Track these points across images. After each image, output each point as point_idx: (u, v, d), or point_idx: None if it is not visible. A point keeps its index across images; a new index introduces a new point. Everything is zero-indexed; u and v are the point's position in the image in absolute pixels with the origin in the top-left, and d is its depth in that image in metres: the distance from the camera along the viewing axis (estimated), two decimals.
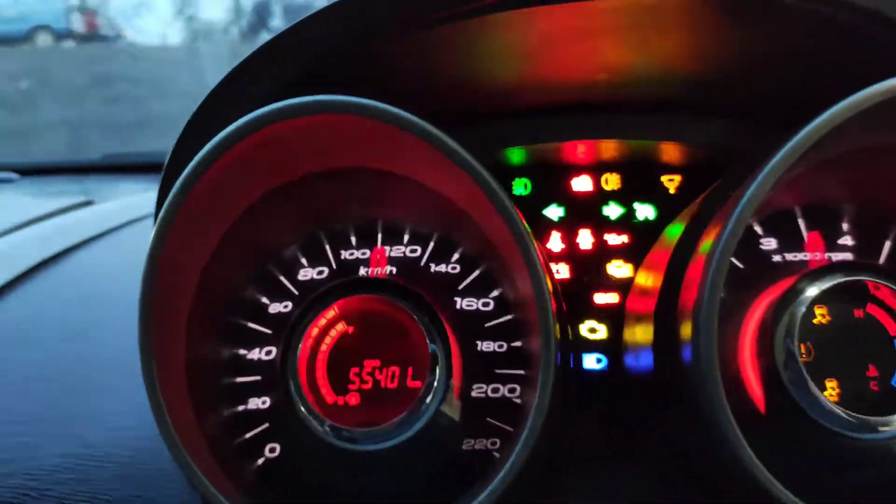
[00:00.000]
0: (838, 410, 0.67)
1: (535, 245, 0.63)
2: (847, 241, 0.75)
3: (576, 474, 0.74)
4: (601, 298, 0.83)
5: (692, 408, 0.63)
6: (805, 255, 0.75)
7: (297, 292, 0.76)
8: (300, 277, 0.77)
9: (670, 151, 0.87)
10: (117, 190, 1.60)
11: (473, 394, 0.73)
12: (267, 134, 0.62)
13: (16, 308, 0.96)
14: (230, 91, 0.71)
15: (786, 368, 0.69)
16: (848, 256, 0.75)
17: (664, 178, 0.88)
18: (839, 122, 0.59)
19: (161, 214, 0.63)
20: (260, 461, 0.72)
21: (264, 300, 0.76)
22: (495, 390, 0.74)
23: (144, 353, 0.63)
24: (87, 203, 1.37)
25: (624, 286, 0.84)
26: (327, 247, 0.78)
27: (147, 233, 0.63)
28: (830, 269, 0.73)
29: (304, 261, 0.78)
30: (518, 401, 0.73)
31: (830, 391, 0.68)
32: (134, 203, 1.34)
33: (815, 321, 0.70)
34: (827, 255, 0.75)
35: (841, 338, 0.70)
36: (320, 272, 0.77)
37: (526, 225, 0.62)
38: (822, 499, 0.63)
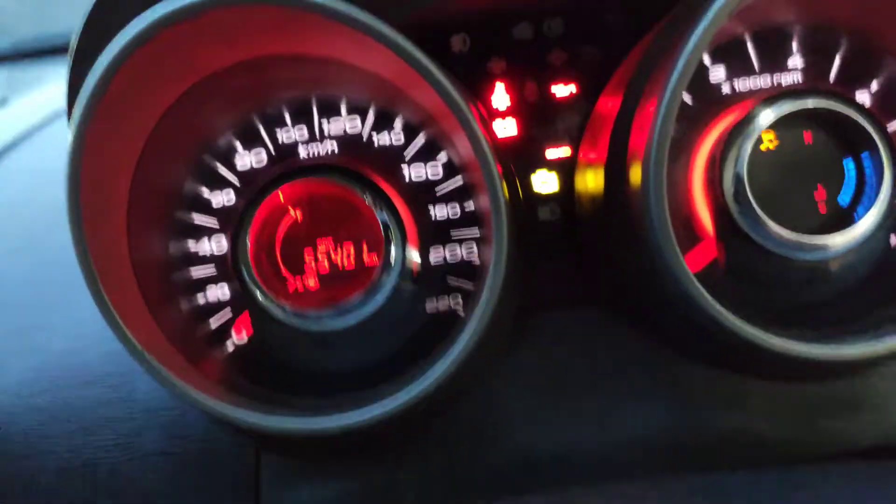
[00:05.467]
0: (786, 234, 0.68)
1: (472, 111, 0.60)
2: (796, 63, 0.73)
3: (536, 322, 0.76)
4: (552, 153, 0.81)
5: (641, 245, 0.64)
6: (754, 82, 0.73)
7: (237, 181, 0.74)
8: (238, 165, 0.75)
9: None
10: (34, 80, 1.46)
11: (432, 259, 0.74)
12: (179, 31, 0.57)
13: None
14: None
15: (735, 199, 0.69)
16: (797, 78, 0.73)
17: (609, 18, 0.84)
18: None
19: (76, 119, 0.59)
20: (228, 348, 0.73)
21: (205, 192, 0.74)
22: (453, 253, 0.74)
23: (82, 256, 0.61)
24: (1, 102, 1.27)
25: (575, 137, 0.82)
26: (262, 130, 0.75)
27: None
28: (779, 97, 0.71)
29: (239, 147, 0.75)
30: (477, 260, 0.74)
31: (778, 215, 0.68)
32: (54, 95, 1.24)
33: (762, 147, 0.70)
34: (776, 79, 0.73)
35: (789, 162, 0.71)
36: (258, 158, 0.75)
37: (457, 96, 0.59)
38: (770, 320, 0.65)
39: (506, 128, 0.83)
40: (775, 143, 0.70)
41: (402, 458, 0.70)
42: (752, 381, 0.70)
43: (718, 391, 0.70)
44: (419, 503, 0.66)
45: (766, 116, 0.69)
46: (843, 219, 0.69)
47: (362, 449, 0.70)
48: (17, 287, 0.81)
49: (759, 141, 0.70)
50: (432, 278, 0.74)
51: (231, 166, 0.74)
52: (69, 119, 0.70)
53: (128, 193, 0.67)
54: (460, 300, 0.73)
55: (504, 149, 0.77)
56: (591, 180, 0.75)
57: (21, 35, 1.67)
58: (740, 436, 0.68)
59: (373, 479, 0.69)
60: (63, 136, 0.62)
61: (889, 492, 0.48)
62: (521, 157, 0.81)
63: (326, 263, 0.72)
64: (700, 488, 0.55)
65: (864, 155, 0.70)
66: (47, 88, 1.33)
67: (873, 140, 0.68)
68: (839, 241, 0.68)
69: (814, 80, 0.73)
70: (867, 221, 0.68)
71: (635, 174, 0.65)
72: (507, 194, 0.65)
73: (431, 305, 0.73)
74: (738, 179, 0.69)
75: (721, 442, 0.68)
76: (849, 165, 0.71)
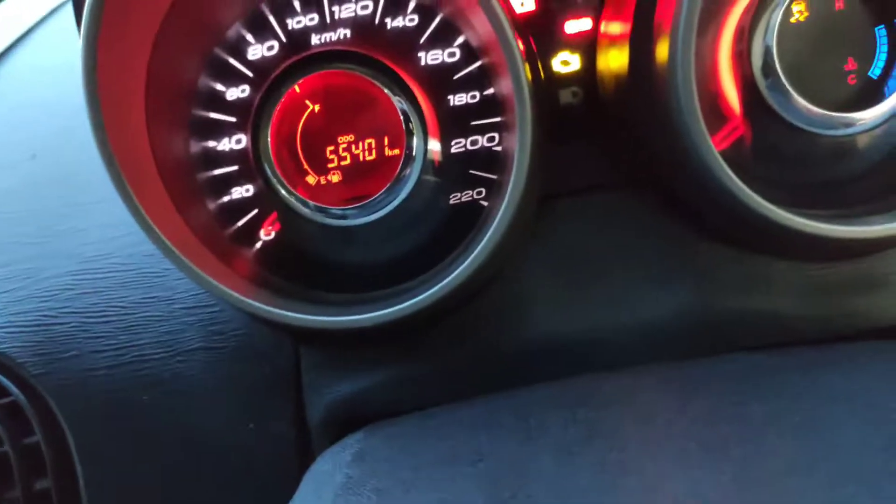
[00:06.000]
0: (814, 109, 0.67)
1: None
2: None
3: (558, 207, 0.76)
4: (572, 27, 0.78)
5: (666, 124, 0.64)
6: None
7: (251, 74, 0.72)
8: (251, 57, 0.72)
9: None
10: None
11: (453, 150, 0.73)
12: None
13: None
14: None
15: (763, 72, 0.67)
16: None
17: None
18: None
19: (87, 9, 0.58)
20: (257, 246, 0.74)
21: (219, 87, 0.72)
22: (474, 143, 0.73)
23: (105, 155, 0.62)
24: None
25: (595, 9, 0.78)
26: (271, 18, 0.72)
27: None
28: None
29: (250, 38, 0.72)
30: (498, 149, 0.73)
31: (807, 90, 0.67)
32: None
33: (792, 20, 0.67)
34: None
35: (819, 33, 0.68)
36: (270, 47, 0.72)
37: None
38: (793, 199, 0.66)
39: (523, 3, 0.79)
40: (805, 13, 0.68)
41: (432, 348, 0.73)
42: (774, 262, 0.71)
43: (740, 272, 0.71)
44: (450, 390, 0.70)
45: None
46: (873, 92, 0.67)
47: (395, 340, 0.73)
48: (44, 191, 0.81)
49: (790, 13, 0.67)
50: (454, 170, 0.73)
51: (243, 59, 0.72)
52: (76, 11, 0.68)
53: (144, 90, 0.66)
54: (483, 191, 0.73)
55: (522, 25, 0.74)
56: (614, 58, 0.72)
57: None
58: (762, 316, 0.70)
59: (407, 369, 0.73)
60: (66, 30, 0.60)
61: None
62: (540, 34, 0.78)
63: (348, 158, 0.72)
64: (722, 370, 0.57)
65: None
66: None
67: None
68: (868, 115, 0.66)
69: None
70: None
71: (662, 49, 0.63)
72: (529, 75, 0.63)
73: (454, 198, 0.74)
74: (767, 51, 0.67)
75: (743, 323, 0.70)
76: (881, 34, 0.68)
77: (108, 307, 0.74)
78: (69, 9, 0.90)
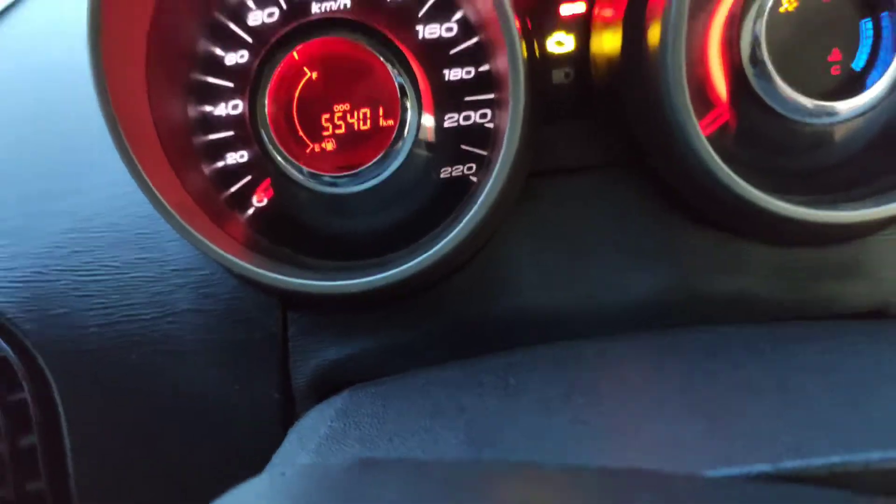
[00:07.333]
0: (799, 98, 0.69)
1: None
2: None
3: (546, 185, 0.78)
4: (567, 9, 0.80)
5: (655, 106, 0.65)
6: None
7: (250, 40, 0.73)
8: (251, 22, 0.73)
9: None
10: None
11: (446, 125, 0.75)
12: None
13: None
14: None
15: (751, 61, 0.69)
16: None
17: None
18: None
19: None
20: (250, 211, 0.76)
21: (218, 52, 0.73)
22: (467, 118, 0.75)
23: (108, 117, 0.63)
24: None
25: None
26: None
27: None
28: None
29: (250, 3, 0.73)
30: (490, 125, 0.74)
31: (792, 78, 0.69)
32: None
33: (781, 10, 0.69)
34: None
35: (807, 24, 0.70)
36: (270, 14, 0.73)
37: None
38: (774, 185, 0.68)
39: None
40: (794, 3, 0.70)
41: (417, 316, 0.74)
42: (753, 247, 0.73)
43: (720, 256, 0.73)
44: (433, 358, 0.71)
45: None
46: (855, 84, 0.69)
47: (381, 308, 0.74)
48: (43, 151, 0.82)
49: (779, 2, 0.69)
50: (446, 145, 0.75)
51: (243, 24, 0.73)
52: None
53: (145, 53, 0.67)
54: (473, 167, 0.75)
55: (518, 4, 0.75)
56: (607, 40, 0.74)
57: None
58: (739, 298, 0.71)
59: (391, 336, 0.74)
60: None
61: (881, 345, 0.53)
62: (537, 14, 0.80)
63: (343, 127, 0.73)
64: (697, 339, 0.59)
65: (884, 15, 0.69)
66: None
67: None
68: (849, 106, 0.68)
69: None
70: (879, 87, 0.68)
71: (654, 32, 0.64)
72: (525, 54, 0.65)
73: (445, 172, 0.75)
74: (755, 39, 0.69)
75: (720, 304, 0.71)
76: (866, 27, 0.70)
77: (100, 266, 0.74)
78: None
